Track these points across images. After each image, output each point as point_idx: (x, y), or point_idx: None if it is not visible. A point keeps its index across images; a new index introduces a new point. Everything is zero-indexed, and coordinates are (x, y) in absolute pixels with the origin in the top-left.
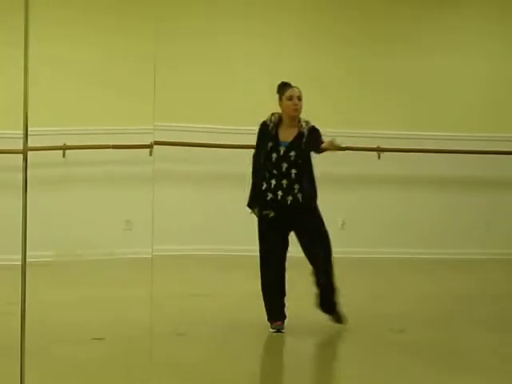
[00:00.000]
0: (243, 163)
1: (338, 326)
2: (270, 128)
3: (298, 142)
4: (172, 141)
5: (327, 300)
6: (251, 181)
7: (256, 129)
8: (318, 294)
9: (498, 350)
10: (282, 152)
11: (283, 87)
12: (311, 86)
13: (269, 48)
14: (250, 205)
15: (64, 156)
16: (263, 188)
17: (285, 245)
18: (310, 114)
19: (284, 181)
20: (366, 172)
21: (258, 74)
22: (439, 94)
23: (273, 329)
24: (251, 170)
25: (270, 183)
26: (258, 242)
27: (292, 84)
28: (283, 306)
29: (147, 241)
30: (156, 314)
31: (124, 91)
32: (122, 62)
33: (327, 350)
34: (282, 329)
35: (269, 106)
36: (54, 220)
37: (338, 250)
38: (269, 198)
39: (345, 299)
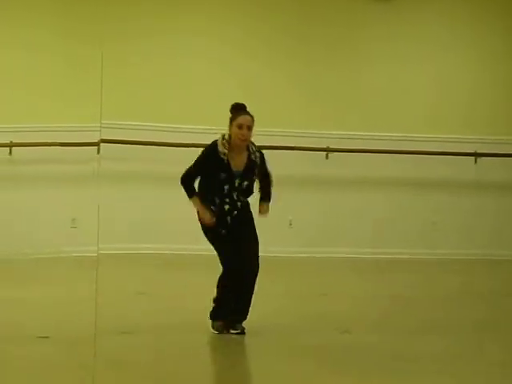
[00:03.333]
0: (191, 162)
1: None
2: (221, 155)
3: (249, 171)
4: (119, 139)
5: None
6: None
7: (204, 127)
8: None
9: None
10: (236, 184)
11: (235, 111)
12: (260, 86)
13: (219, 49)
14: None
15: (10, 153)
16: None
17: None
18: (260, 114)
19: (236, 204)
20: (314, 172)
21: (206, 75)
22: (386, 96)
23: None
24: (198, 188)
25: (224, 208)
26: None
27: (246, 106)
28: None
29: (93, 239)
30: (101, 313)
31: (71, 89)
32: (69, 61)
33: (273, 349)
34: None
35: (216, 107)
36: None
37: (285, 250)
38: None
39: (291, 297)
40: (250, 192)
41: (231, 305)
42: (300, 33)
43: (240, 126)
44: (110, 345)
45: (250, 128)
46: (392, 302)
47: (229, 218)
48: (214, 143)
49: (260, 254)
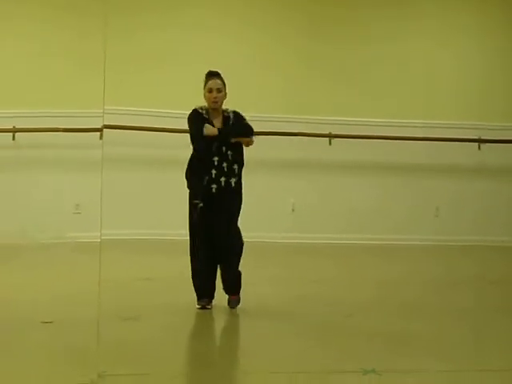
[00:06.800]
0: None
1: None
2: (203, 115)
3: (227, 126)
4: (122, 124)
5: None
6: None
7: None
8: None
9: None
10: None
11: (207, 77)
12: (263, 72)
13: (218, 35)
14: (196, 198)
15: (14, 139)
16: (206, 181)
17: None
18: (263, 100)
19: (224, 164)
20: (317, 158)
21: (208, 60)
22: (389, 82)
23: (199, 305)
24: (197, 148)
25: (211, 173)
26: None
27: (219, 72)
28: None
29: (97, 225)
30: (105, 298)
31: (74, 74)
32: (72, 46)
33: (275, 332)
34: (208, 305)
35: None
36: (2, 203)
37: (287, 235)
38: (213, 189)
39: (294, 283)
40: (236, 148)
41: (211, 282)
42: (292, 19)
43: (210, 90)
44: (114, 330)
45: (219, 90)
46: (393, 288)
47: (214, 188)
48: (194, 109)
49: (262, 239)
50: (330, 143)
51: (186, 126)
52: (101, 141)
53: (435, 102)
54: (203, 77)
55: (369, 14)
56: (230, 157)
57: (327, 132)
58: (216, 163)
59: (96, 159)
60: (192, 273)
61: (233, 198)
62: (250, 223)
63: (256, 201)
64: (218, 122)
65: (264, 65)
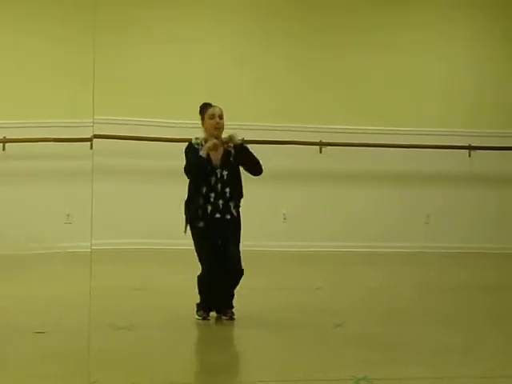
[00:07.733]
0: (183, 157)
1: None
2: (198, 147)
3: (227, 161)
4: (112, 134)
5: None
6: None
7: (198, 122)
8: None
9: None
10: (219, 174)
11: (204, 107)
12: (252, 80)
13: (208, 45)
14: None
15: (4, 149)
16: (200, 214)
17: None
18: (252, 108)
19: (220, 201)
20: (307, 166)
21: (198, 70)
22: (378, 90)
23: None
24: (192, 167)
25: (206, 208)
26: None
27: (213, 104)
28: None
29: (88, 234)
30: (96, 308)
31: (64, 85)
32: (62, 57)
33: (268, 341)
34: (208, 316)
35: (210, 101)
36: None
37: (279, 244)
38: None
39: (286, 292)
40: (234, 184)
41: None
42: (286, 28)
43: (212, 116)
44: (107, 340)
45: (221, 117)
46: (383, 295)
47: (209, 208)
48: (189, 143)
49: (254, 248)
50: (320, 151)
51: (176, 135)
52: (91, 150)
53: (426, 110)
54: (194, 87)
55: (360, 23)
56: (227, 194)
57: (317, 140)
58: (212, 199)
59: (86, 169)
60: (202, 283)
61: (236, 224)
62: (243, 232)
63: (248, 210)
64: (217, 154)
65: (253, 73)
